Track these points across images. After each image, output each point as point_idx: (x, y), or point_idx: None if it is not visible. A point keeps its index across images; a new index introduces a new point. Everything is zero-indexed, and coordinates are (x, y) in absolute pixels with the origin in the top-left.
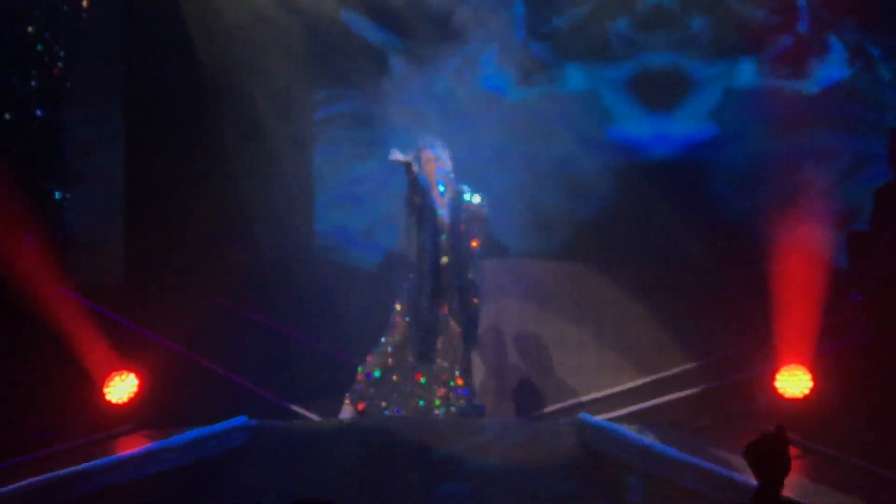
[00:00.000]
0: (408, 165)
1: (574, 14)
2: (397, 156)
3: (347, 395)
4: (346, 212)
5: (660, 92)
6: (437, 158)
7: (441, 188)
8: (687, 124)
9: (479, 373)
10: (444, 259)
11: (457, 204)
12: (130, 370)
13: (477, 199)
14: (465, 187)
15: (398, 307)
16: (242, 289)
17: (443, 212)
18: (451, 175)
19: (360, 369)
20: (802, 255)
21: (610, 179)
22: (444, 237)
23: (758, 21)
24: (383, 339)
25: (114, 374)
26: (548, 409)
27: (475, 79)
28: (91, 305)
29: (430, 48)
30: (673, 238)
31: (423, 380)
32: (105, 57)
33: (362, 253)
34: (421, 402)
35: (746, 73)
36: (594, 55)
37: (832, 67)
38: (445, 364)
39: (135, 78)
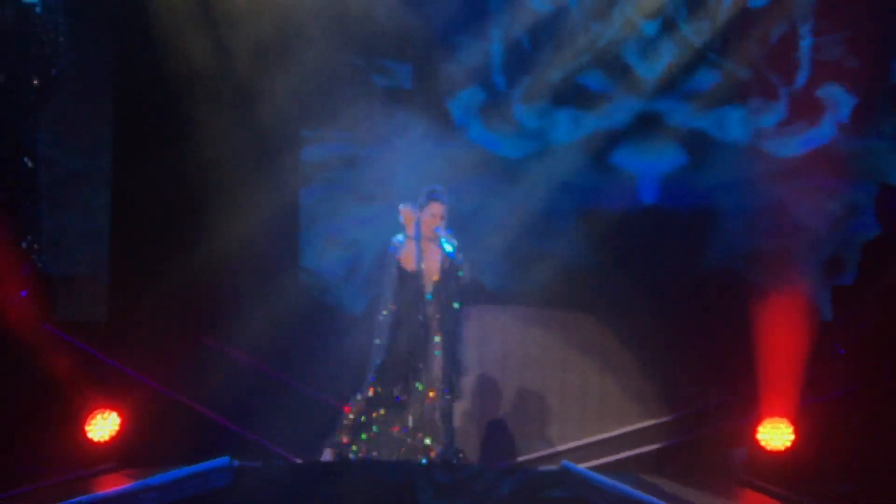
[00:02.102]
0: (415, 223)
1: (555, 67)
2: (408, 213)
3: (334, 435)
4: (332, 253)
5: (645, 141)
6: (442, 216)
7: (448, 248)
8: (672, 174)
9: (460, 418)
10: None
11: (447, 258)
12: (112, 408)
13: (456, 252)
14: (452, 239)
15: (376, 341)
16: (226, 327)
17: (433, 265)
18: (450, 233)
19: (347, 413)
20: (787, 307)
21: (595, 228)
22: (429, 297)
23: (750, 77)
24: (368, 380)
25: (96, 411)
26: (529, 457)
27: (464, 132)
28: (74, 343)
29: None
30: (658, 288)
31: (404, 426)
32: (92, 88)
33: (348, 295)
34: (403, 447)
35: (736, 126)
36: (580, 106)
37: (822, 128)
38: (427, 409)
39: (121, 112)
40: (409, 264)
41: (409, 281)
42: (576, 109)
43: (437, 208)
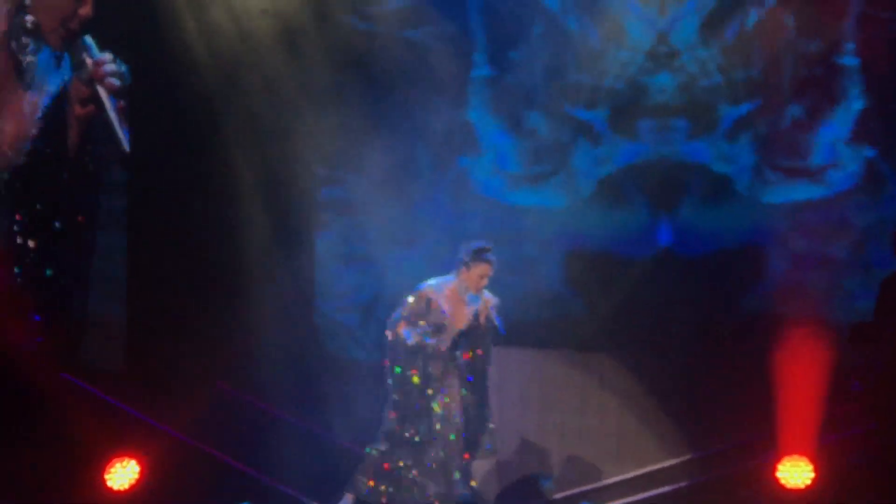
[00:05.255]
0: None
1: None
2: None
3: (355, 479)
4: (348, 299)
5: (666, 187)
6: (489, 276)
7: (498, 321)
8: (690, 218)
9: (478, 465)
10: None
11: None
12: (131, 456)
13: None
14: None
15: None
16: (243, 373)
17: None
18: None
19: (368, 450)
20: (804, 344)
21: (612, 271)
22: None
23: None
24: (387, 422)
25: (115, 460)
26: (547, 499)
27: (472, 184)
28: (92, 391)
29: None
30: (675, 329)
31: (425, 468)
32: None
33: (364, 340)
34: (426, 491)
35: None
36: (585, 150)
37: (845, 173)
38: (446, 454)
39: (136, 153)
40: (437, 314)
41: (437, 325)
42: (592, 147)
43: (485, 269)
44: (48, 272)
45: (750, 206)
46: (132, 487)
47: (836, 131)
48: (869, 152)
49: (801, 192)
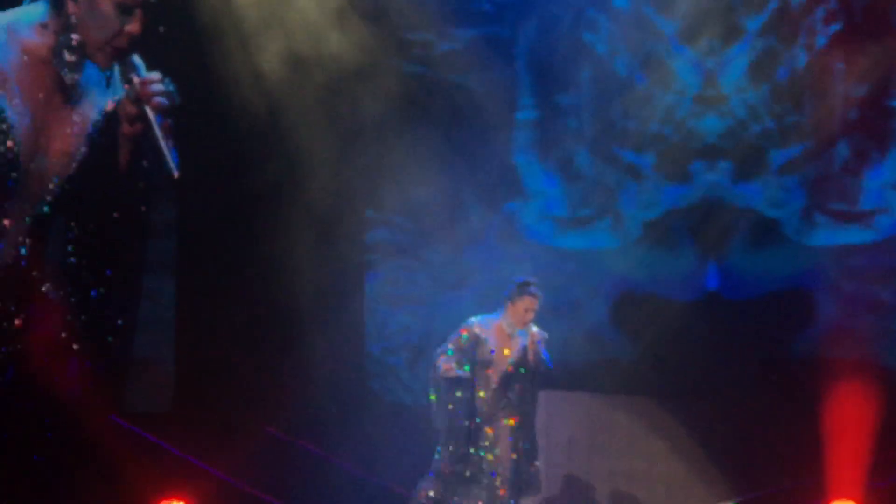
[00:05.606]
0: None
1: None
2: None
3: None
4: (397, 340)
5: (715, 230)
6: (535, 311)
7: (545, 355)
8: (738, 262)
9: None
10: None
11: (525, 351)
12: (179, 499)
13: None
14: (539, 333)
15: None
16: (293, 418)
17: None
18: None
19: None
20: (854, 389)
21: (660, 314)
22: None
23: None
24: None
25: (163, 502)
26: None
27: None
28: (140, 433)
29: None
30: (723, 373)
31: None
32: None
33: (412, 384)
34: None
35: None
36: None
37: (893, 220)
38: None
39: (185, 195)
40: (483, 349)
41: (484, 361)
42: (638, 191)
43: (531, 303)
44: (104, 317)
45: (798, 249)
46: None
47: (886, 175)
48: None
49: (850, 235)
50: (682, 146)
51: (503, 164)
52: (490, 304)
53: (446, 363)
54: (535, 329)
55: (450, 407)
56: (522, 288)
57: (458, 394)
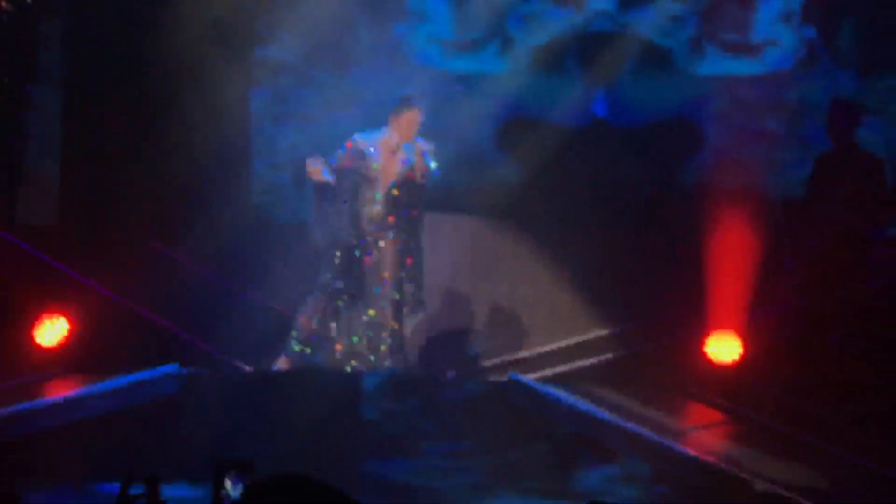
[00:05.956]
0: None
1: None
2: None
3: (288, 343)
4: (287, 158)
5: (603, 58)
6: (419, 123)
7: (434, 164)
8: (625, 91)
9: (408, 330)
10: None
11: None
12: (61, 313)
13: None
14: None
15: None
16: (177, 234)
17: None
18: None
19: (301, 321)
20: (738, 221)
21: (547, 139)
22: (377, 195)
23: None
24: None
25: (44, 316)
26: (477, 367)
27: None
28: (23, 246)
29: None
30: (610, 201)
31: (355, 338)
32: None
33: (296, 202)
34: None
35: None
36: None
37: (782, 53)
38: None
39: (73, 7)
40: (369, 162)
41: (365, 183)
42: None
43: (415, 115)
44: None
45: (686, 78)
46: (61, 344)
47: (779, 6)
48: (808, 32)
49: (739, 67)
50: None
51: None
52: (377, 124)
53: (311, 164)
54: (419, 141)
55: (321, 217)
56: (404, 101)
57: (326, 205)
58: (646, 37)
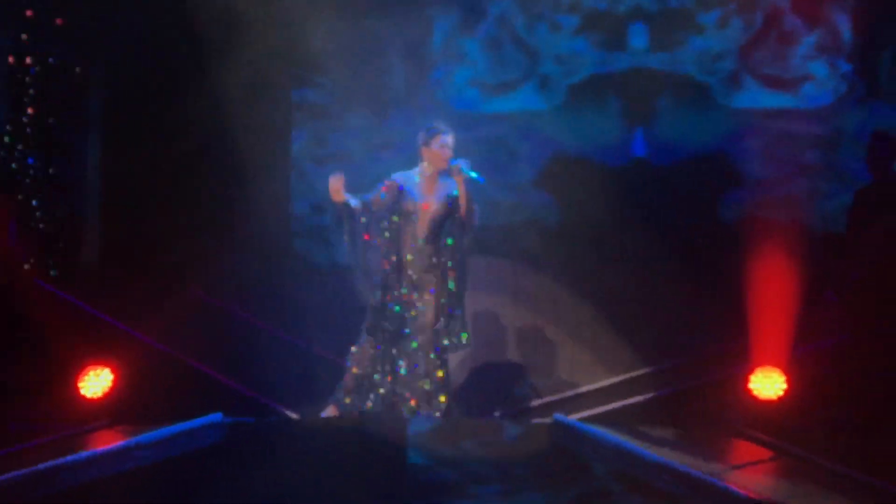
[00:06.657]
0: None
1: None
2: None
3: (336, 391)
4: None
5: (640, 98)
6: (452, 147)
7: (474, 174)
8: (664, 129)
9: (452, 372)
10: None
11: (451, 197)
12: (105, 364)
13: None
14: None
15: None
16: (220, 281)
17: (434, 205)
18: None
19: (347, 360)
20: (779, 256)
21: (587, 182)
22: (421, 241)
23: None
24: (365, 325)
25: (88, 368)
26: (521, 408)
27: (445, 97)
28: (66, 297)
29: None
30: (651, 239)
31: (400, 382)
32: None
33: (339, 246)
34: (402, 405)
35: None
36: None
37: (822, 88)
38: (423, 362)
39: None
40: (408, 199)
41: (405, 221)
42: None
43: (443, 139)
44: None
45: (726, 114)
46: (105, 395)
47: (817, 43)
48: (847, 66)
49: (779, 101)
50: (607, 10)
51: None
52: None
53: (333, 180)
54: (454, 161)
55: (354, 253)
56: (429, 129)
57: (348, 227)
58: (684, 73)
